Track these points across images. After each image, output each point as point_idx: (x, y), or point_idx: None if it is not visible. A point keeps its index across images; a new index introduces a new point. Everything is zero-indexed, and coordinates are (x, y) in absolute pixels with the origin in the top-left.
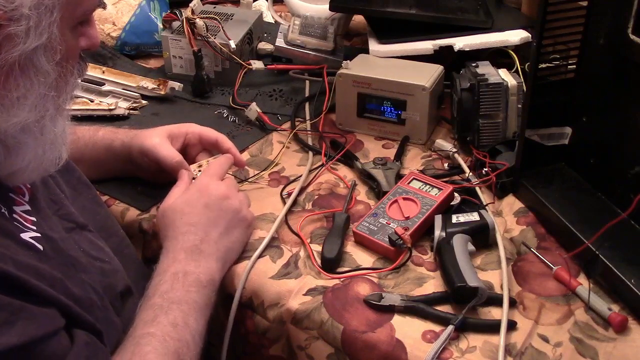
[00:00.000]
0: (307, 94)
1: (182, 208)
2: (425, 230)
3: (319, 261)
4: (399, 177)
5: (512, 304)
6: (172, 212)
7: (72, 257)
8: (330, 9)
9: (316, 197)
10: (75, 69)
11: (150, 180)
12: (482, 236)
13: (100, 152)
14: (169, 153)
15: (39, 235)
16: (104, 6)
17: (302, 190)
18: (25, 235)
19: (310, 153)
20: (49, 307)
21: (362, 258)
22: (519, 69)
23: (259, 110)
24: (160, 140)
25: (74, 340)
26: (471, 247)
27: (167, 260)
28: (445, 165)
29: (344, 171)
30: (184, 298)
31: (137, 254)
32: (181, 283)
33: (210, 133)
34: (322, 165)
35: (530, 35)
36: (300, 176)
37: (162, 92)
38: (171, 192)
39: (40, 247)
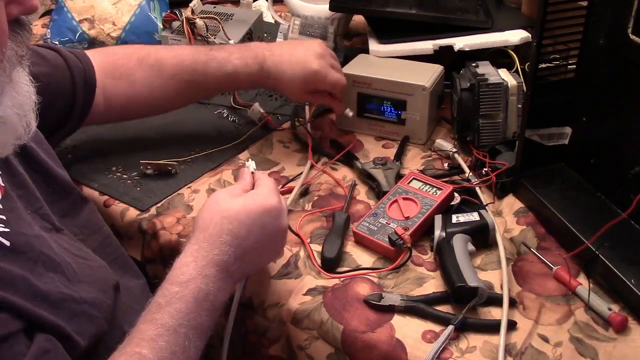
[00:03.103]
0: None
1: (237, 214)
2: (425, 230)
3: (319, 261)
4: (399, 177)
5: (512, 304)
6: (227, 210)
7: (44, 254)
8: (330, 9)
9: (316, 197)
10: (10, 42)
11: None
12: (482, 236)
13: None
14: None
15: (7, 230)
16: None
17: (301, 190)
18: None
19: (309, 151)
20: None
21: (362, 258)
22: (519, 69)
23: (262, 110)
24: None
25: (31, 347)
26: (471, 247)
27: (194, 268)
28: (445, 165)
29: (344, 171)
30: (194, 323)
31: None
32: (198, 305)
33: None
34: (321, 165)
35: (530, 35)
36: (298, 176)
37: None
38: (232, 188)
39: (8, 242)
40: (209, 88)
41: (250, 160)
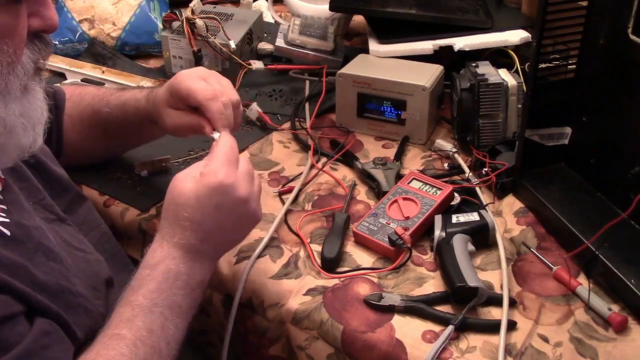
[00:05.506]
0: (307, 94)
1: (187, 200)
2: (425, 230)
3: (319, 261)
4: (398, 177)
5: (512, 304)
6: (178, 197)
7: (43, 245)
8: (330, 9)
9: (316, 197)
10: (27, 50)
11: (172, 134)
12: (482, 236)
13: (130, 116)
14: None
15: (7, 220)
16: None
17: (301, 190)
18: None
19: (310, 153)
20: (1, 293)
21: (362, 258)
22: (519, 69)
23: (259, 110)
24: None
25: (32, 329)
26: (471, 247)
27: (161, 252)
28: (445, 165)
29: (344, 171)
30: (168, 302)
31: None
32: (170, 284)
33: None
34: (321, 165)
35: (530, 35)
36: (298, 176)
37: None
38: (195, 165)
39: (8, 232)
40: (112, 118)
41: (215, 132)
